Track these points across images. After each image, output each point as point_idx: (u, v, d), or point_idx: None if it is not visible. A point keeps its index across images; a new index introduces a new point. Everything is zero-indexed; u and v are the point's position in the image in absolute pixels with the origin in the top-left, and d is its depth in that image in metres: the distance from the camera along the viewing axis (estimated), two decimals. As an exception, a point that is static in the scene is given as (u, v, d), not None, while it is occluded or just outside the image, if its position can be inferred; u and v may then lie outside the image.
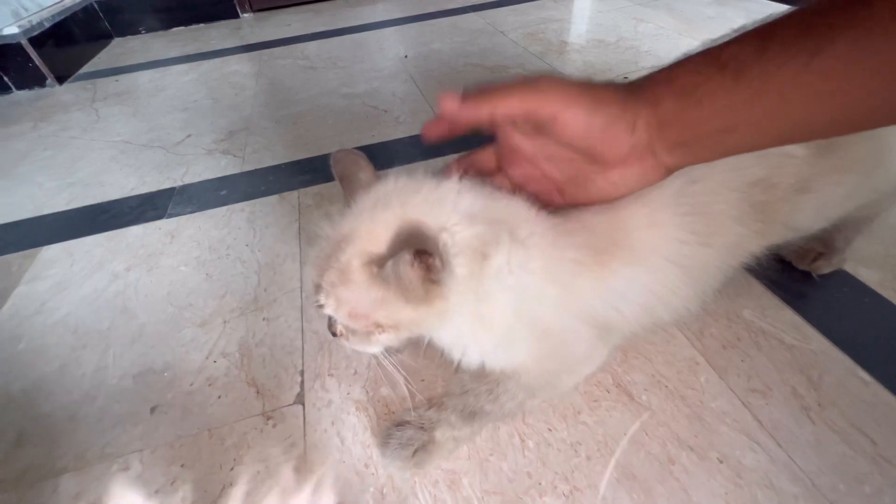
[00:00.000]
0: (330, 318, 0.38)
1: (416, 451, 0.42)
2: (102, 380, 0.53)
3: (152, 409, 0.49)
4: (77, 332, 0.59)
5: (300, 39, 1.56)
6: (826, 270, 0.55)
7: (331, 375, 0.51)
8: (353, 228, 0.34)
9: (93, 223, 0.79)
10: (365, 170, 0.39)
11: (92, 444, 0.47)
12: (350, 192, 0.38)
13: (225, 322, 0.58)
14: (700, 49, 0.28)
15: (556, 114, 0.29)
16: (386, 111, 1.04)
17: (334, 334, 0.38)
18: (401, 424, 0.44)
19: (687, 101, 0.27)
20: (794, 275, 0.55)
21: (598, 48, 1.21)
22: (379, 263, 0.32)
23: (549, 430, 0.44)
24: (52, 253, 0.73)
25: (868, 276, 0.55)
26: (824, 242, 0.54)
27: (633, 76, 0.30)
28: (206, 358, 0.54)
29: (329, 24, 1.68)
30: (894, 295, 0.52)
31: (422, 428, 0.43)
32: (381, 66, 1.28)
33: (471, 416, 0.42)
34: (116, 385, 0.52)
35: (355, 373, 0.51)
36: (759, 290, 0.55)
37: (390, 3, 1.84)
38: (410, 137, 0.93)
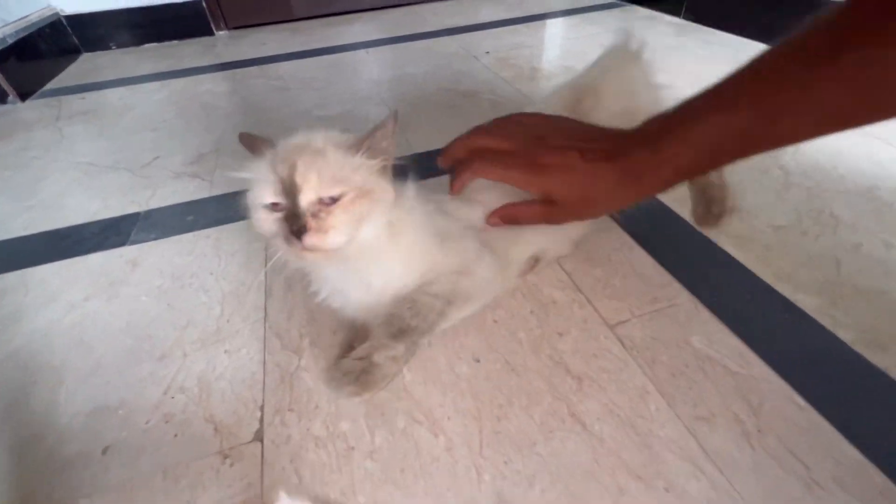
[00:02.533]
0: (296, 216, 0.41)
1: (358, 377, 0.47)
2: (53, 419, 0.51)
3: (104, 450, 0.48)
4: (27, 367, 0.57)
5: (275, 59, 1.56)
6: (729, 218, 0.62)
7: (291, 410, 0.51)
8: (313, 138, 0.47)
9: (51, 250, 0.77)
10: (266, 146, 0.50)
11: (37, 488, 0.45)
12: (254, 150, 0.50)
13: (185, 355, 0.58)
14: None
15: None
16: (358, 135, 1.05)
17: (300, 232, 0.41)
18: (339, 363, 0.49)
19: None
20: (740, 298, 0.59)
21: (567, 74, 1.25)
22: (356, 146, 0.45)
23: (505, 462, 0.45)
24: (5, 283, 0.71)
25: (807, 302, 0.58)
26: (706, 204, 0.63)
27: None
28: (164, 393, 0.53)
29: (305, 44, 1.69)
30: (830, 321, 0.55)
31: (359, 358, 0.48)
32: (355, 88, 1.29)
33: (400, 333, 0.48)
34: (67, 424, 0.51)
35: (316, 407, 0.51)
36: (706, 315, 0.57)
37: (367, 24, 1.87)
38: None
